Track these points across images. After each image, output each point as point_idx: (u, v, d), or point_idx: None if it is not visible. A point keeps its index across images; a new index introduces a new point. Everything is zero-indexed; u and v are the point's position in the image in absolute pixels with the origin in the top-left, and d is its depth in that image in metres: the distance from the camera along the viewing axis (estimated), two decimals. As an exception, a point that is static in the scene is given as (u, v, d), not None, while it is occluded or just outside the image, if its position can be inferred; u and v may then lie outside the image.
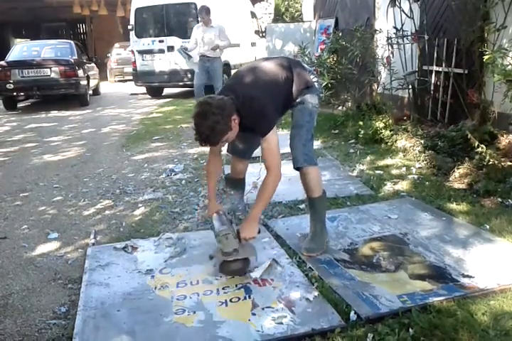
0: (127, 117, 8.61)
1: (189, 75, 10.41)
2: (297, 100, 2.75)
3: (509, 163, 3.70)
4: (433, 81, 5.24)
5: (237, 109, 2.47)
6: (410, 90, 5.50)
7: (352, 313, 2.10)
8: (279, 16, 15.49)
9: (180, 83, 10.76)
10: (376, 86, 6.23)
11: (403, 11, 5.23)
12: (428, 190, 3.65)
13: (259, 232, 2.61)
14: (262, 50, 11.44)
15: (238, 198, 3.33)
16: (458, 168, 3.82)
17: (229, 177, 3.37)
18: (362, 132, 5.21)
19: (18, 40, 23.43)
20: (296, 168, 2.77)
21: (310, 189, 2.77)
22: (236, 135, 2.57)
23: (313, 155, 2.81)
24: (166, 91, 11.85)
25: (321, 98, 2.97)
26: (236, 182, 3.31)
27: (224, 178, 3.56)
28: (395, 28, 5.37)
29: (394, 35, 5.46)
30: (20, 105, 10.83)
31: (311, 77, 2.82)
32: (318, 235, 2.79)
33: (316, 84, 2.83)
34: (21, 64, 9.86)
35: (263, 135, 2.54)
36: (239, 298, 2.29)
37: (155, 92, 11.54)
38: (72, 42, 11.47)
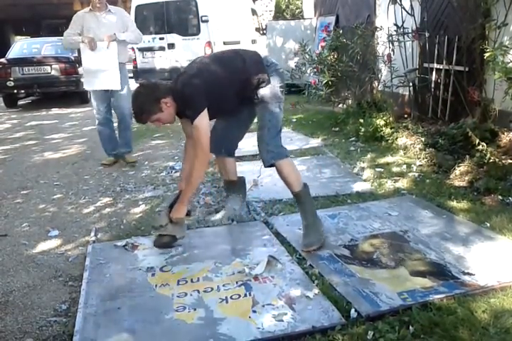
0: (128, 115, 8.60)
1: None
2: (257, 95, 2.80)
3: (510, 161, 3.70)
4: (434, 78, 5.24)
5: (173, 95, 2.67)
6: (411, 88, 5.50)
7: (352, 311, 2.10)
8: (279, 13, 15.45)
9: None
10: (377, 83, 6.22)
11: (404, 8, 5.21)
12: (428, 187, 3.64)
13: (187, 214, 2.88)
14: (262, 48, 11.42)
15: (239, 203, 3.27)
16: (458, 166, 3.82)
17: (224, 182, 3.32)
18: (362, 130, 5.21)
19: (19, 37, 23.39)
20: (269, 166, 2.85)
21: (290, 183, 2.84)
22: (212, 132, 2.71)
23: (281, 149, 2.87)
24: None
25: (284, 90, 3.00)
26: (232, 185, 3.25)
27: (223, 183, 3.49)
28: (395, 25, 5.36)
29: (394, 33, 5.44)
30: (20, 102, 10.82)
31: (271, 69, 2.85)
32: (312, 228, 2.80)
33: (275, 77, 2.86)
34: (22, 61, 9.85)
35: (191, 121, 2.65)
36: (239, 295, 2.29)
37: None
38: (72, 39, 11.44)
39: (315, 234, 2.78)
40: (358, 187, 3.76)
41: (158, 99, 2.63)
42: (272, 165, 2.83)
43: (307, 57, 6.53)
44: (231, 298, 2.28)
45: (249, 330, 2.02)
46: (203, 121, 2.63)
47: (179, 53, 10.21)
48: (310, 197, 2.95)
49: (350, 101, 6.64)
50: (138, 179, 4.37)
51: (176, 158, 5.02)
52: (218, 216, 3.27)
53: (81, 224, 3.38)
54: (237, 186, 3.26)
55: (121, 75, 4.61)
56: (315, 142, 5.42)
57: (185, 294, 2.34)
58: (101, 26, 4.55)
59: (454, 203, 3.30)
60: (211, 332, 2.03)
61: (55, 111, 9.46)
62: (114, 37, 4.52)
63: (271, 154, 2.79)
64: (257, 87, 2.79)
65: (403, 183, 3.81)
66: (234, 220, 3.19)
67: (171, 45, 10.27)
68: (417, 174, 3.98)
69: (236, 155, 3.24)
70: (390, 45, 5.55)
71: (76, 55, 10.34)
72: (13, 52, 10.44)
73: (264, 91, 2.80)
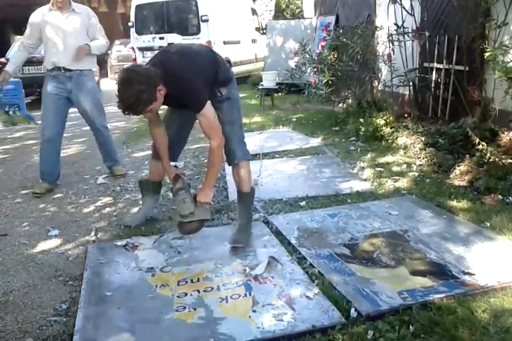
0: (128, 114, 8.60)
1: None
2: (223, 93, 2.79)
3: (510, 161, 3.69)
4: (434, 78, 5.23)
5: (164, 82, 2.48)
6: (411, 87, 5.49)
7: (352, 310, 2.10)
8: (279, 13, 15.44)
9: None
10: (377, 83, 6.22)
11: (404, 7, 5.21)
12: (429, 187, 3.65)
13: (213, 197, 2.94)
14: (262, 47, 11.42)
15: (153, 202, 3.33)
16: (458, 165, 3.82)
17: (144, 181, 3.30)
18: (362, 129, 5.21)
19: (18, 37, 23.36)
20: (230, 163, 2.90)
21: (242, 184, 2.91)
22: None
23: (248, 150, 2.93)
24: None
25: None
26: (153, 186, 3.26)
27: (138, 183, 3.46)
28: (395, 24, 5.36)
29: (395, 32, 5.44)
30: (20, 102, 10.81)
31: (231, 71, 2.91)
32: (245, 227, 2.92)
33: (233, 77, 2.90)
34: (21, 61, 9.84)
35: (198, 111, 2.58)
36: (239, 295, 2.29)
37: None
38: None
39: (245, 233, 2.89)
40: (358, 186, 3.76)
41: (155, 86, 2.42)
42: (233, 164, 2.88)
43: (307, 56, 6.54)
44: (231, 297, 2.28)
45: (249, 330, 2.02)
46: (209, 109, 2.60)
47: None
48: (253, 200, 3.07)
49: (350, 100, 6.64)
50: (138, 178, 4.35)
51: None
52: (138, 215, 3.31)
53: (81, 224, 3.38)
54: (158, 187, 3.30)
55: (88, 83, 4.07)
56: (315, 141, 5.42)
57: (186, 294, 2.34)
58: (61, 30, 3.86)
59: (454, 203, 3.30)
60: (211, 331, 2.03)
61: (55, 110, 9.45)
62: (88, 51, 3.93)
63: (242, 152, 2.84)
64: (222, 84, 2.79)
65: (403, 183, 3.81)
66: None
67: (171, 45, 10.27)
68: (417, 173, 3.98)
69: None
70: (390, 44, 5.54)
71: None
72: (13, 52, 10.43)
73: (229, 90, 2.82)
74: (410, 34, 5.30)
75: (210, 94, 2.74)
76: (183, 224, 2.78)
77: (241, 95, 10.77)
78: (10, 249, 3.03)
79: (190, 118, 2.83)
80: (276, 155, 4.84)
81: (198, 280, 2.47)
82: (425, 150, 4.34)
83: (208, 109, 2.60)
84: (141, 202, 3.70)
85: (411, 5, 5.12)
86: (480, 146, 3.80)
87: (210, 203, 2.87)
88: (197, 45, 2.97)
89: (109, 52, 17.18)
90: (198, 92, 2.57)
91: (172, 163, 2.96)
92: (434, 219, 3.06)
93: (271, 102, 8.16)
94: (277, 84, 8.58)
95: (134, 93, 2.35)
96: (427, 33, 5.13)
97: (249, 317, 2.11)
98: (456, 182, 3.69)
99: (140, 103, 2.39)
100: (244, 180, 2.89)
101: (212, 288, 2.37)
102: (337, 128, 5.95)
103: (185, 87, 2.54)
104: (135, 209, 3.58)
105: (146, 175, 3.75)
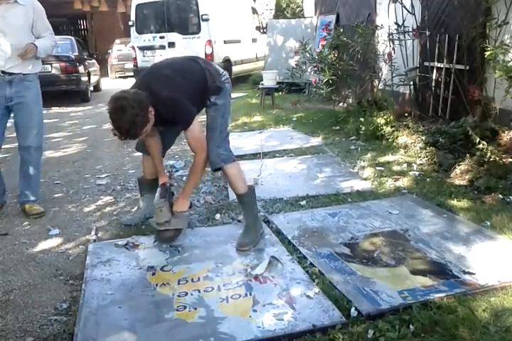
0: (128, 113, 8.59)
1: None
2: (212, 100, 2.81)
3: (510, 160, 3.70)
4: (434, 77, 5.23)
5: (152, 103, 2.54)
6: (411, 86, 5.49)
7: (353, 309, 2.10)
8: (280, 12, 15.43)
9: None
10: (377, 82, 6.21)
11: (404, 6, 5.21)
12: (429, 186, 3.65)
13: (190, 207, 2.97)
14: (263, 46, 11.42)
15: (152, 200, 3.29)
16: (459, 165, 3.82)
17: (142, 180, 3.34)
18: (363, 128, 5.21)
19: None
20: (217, 169, 2.87)
21: (234, 186, 2.88)
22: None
23: (230, 153, 2.89)
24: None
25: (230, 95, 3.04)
26: (150, 184, 3.26)
27: (137, 182, 3.51)
28: (396, 23, 5.36)
29: (395, 31, 5.44)
30: (21, 101, 10.80)
31: (223, 78, 2.87)
32: (251, 229, 2.87)
33: (226, 85, 2.88)
34: (22, 60, 9.83)
35: (186, 128, 2.65)
36: (240, 295, 2.29)
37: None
38: (72, 38, 11.45)
39: (251, 235, 2.85)
40: (359, 185, 3.76)
41: (147, 108, 2.50)
42: (219, 169, 2.86)
43: (308, 55, 6.53)
44: (232, 297, 2.28)
45: (249, 329, 2.02)
46: (195, 124, 2.67)
47: (180, 52, 10.24)
48: (254, 200, 3.00)
49: (350, 99, 6.64)
50: (138, 177, 4.36)
51: (177, 156, 5.01)
52: (137, 214, 3.30)
53: (81, 223, 3.38)
54: (154, 185, 3.26)
55: (31, 90, 3.62)
56: (315, 141, 5.42)
57: (186, 293, 2.34)
58: (2, 24, 3.29)
59: (454, 202, 3.30)
60: (212, 330, 2.03)
61: (55, 109, 9.45)
62: (35, 52, 3.33)
63: (221, 157, 2.80)
64: (213, 93, 2.82)
65: (403, 182, 3.81)
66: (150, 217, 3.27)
67: (172, 44, 10.28)
68: (417, 173, 3.98)
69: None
70: (391, 43, 5.54)
71: (77, 53, 10.39)
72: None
73: (218, 97, 2.83)
74: (411, 33, 5.30)
75: (201, 104, 2.82)
76: (159, 231, 2.87)
77: (241, 94, 10.78)
78: (10, 248, 3.03)
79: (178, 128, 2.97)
80: (277, 155, 4.83)
81: (199, 279, 2.47)
82: (426, 149, 4.34)
83: (195, 124, 2.67)
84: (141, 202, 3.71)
85: (411, 4, 5.12)
86: (480, 145, 3.80)
87: (187, 211, 2.98)
88: (183, 61, 2.94)
89: (109, 51, 17.20)
90: (185, 111, 2.65)
91: (170, 163, 2.97)
92: (435, 219, 3.07)
93: (271, 101, 8.16)
94: (278, 83, 8.58)
95: (129, 118, 2.42)
96: (427, 32, 5.13)
97: (250, 316, 2.11)
98: (457, 182, 3.69)
99: (137, 127, 2.47)
100: (233, 182, 2.87)
101: (213, 288, 2.37)
102: (337, 127, 5.95)
103: (173, 107, 2.60)
104: (136, 208, 3.57)
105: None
